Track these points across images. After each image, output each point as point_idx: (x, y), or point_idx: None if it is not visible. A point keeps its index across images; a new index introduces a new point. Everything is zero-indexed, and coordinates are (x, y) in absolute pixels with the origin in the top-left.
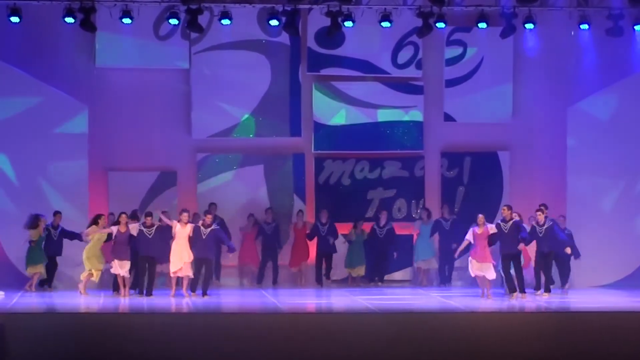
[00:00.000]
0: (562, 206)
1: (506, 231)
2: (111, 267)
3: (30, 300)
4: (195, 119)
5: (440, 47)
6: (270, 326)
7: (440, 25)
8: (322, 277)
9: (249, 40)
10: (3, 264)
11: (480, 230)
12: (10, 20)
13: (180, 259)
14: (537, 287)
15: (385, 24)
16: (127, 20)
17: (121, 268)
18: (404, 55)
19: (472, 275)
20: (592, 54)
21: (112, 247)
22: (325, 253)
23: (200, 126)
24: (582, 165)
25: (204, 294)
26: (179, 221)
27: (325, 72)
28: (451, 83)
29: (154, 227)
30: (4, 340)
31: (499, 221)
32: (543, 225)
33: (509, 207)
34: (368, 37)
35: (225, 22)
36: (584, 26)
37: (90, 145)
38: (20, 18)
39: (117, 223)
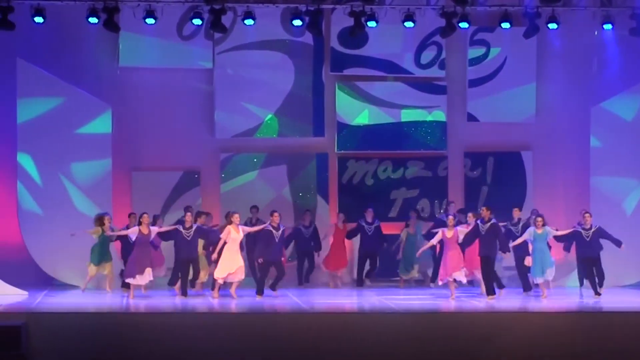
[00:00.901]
0: (585, 206)
1: (484, 232)
2: (132, 278)
3: (53, 300)
4: (218, 119)
5: (464, 47)
6: (292, 326)
7: (464, 25)
8: (362, 278)
9: (272, 40)
10: (26, 264)
11: (449, 233)
12: (34, 20)
13: (231, 266)
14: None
15: (409, 24)
16: (150, 21)
17: (145, 278)
18: (427, 55)
19: (442, 280)
20: (615, 53)
21: (134, 253)
22: (370, 253)
23: (223, 126)
24: (605, 166)
25: (274, 289)
26: (230, 223)
27: (348, 72)
28: (474, 83)
29: (193, 229)
30: (27, 339)
31: (478, 221)
32: (590, 229)
33: (488, 208)
34: (391, 37)
35: (249, 22)
36: (608, 26)
37: (114, 145)
38: (44, 18)
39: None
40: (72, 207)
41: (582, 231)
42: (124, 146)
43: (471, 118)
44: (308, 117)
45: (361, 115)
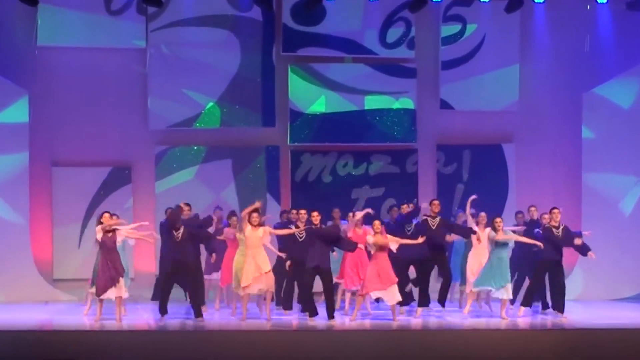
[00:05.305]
0: (576, 206)
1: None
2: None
3: None
4: (152, 107)
5: (436, 23)
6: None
7: None
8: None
9: (215, 15)
10: None
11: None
12: None
13: (251, 271)
14: (545, 306)
15: None
16: None
17: (120, 289)
18: (394, 33)
19: (373, 297)
20: (611, 31)
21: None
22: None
23: (158, 115)
24: (599, 160)
25: (331, 316)
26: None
27: (302, 52)
28: (448, 65)
29: (181, 231)
30: None
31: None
32: (559, 227)
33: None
34: (352, 12)
35: None
36: None
37: (32, 136)
38: None
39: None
40: None
41: (554, 229)
42: (43, 138)
43: (445, 105)
44: (256, 104)
45: (317, 102)
